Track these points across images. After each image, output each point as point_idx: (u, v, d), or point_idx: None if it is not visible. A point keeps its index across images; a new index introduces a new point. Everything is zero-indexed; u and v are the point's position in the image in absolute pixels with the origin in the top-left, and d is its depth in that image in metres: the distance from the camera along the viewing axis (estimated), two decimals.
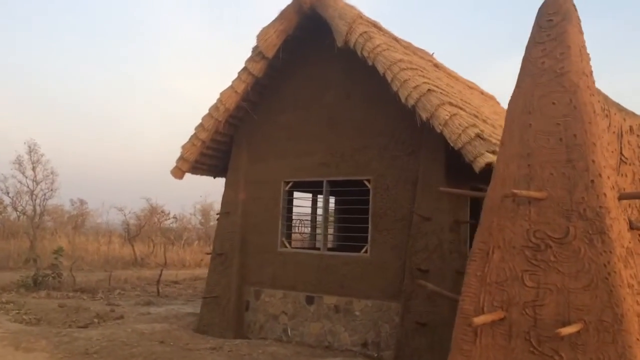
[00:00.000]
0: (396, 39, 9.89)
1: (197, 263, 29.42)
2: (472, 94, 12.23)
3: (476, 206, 9.41)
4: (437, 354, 7.77)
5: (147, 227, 33.47)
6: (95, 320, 10.84)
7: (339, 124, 9.62)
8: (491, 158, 7.28)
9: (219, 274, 10.52)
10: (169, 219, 36.93)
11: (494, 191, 3.94)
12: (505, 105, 8.18)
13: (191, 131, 10.44)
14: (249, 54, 9.93)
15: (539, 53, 4.14)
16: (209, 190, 52.34)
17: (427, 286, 6.02)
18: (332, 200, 13.43)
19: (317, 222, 12.95)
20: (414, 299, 8.14)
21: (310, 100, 10.05)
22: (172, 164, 10.61)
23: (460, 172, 8.56)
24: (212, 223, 42.50)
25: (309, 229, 12.99)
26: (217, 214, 11.45)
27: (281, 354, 8.20)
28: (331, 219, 12.74)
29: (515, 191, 3.77)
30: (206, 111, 10.27)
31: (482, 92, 14.48)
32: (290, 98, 10.30)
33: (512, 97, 4.17)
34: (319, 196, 12.86)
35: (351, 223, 9.69)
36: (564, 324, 3.75)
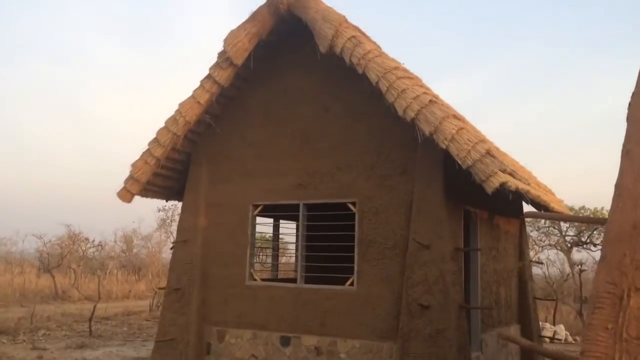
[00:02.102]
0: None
1: (124, 295, 27.14)
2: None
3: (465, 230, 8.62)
4: None
5: (69, 256, 30.66)
6: None
7: (316, 140, 8.60)
8: (505, 178, 6.49)
9: (174, 313, 9.07)
10: (92, 246, 34.20)
11: (622, 215, 3.03)
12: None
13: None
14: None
15: None
16: (140, 214, 49.43)
17: (518, 342, 4.91)
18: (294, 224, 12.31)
19: (280, 250, 11.81)
20: (412, 340, 7.15)
21: (282, 113, 8.97)
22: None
23: (459, 194, 7.75)
24: (135, 250, 39.96)
25: (271, 258, 11.76)
26: (172, 243, 10.02)
27: None
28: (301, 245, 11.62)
29: None
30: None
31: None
32: (260, 111, 9.18)
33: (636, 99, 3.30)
34: (281, 221, 11.73)
35: (332, 252, 8.61)
36: None
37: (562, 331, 16.53)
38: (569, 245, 25.71)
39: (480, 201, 8.72)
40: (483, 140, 6.72)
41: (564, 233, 25.85)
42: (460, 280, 7.41)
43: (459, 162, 6.67)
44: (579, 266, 17.33)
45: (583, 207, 25.51)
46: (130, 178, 9.14)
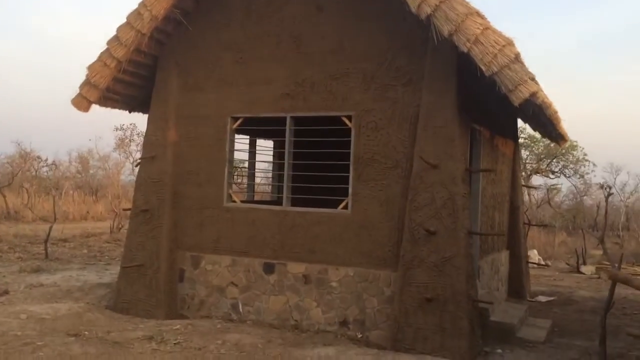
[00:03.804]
0: None
1: (82, 216, 25.98)
2: None
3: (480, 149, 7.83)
4: (449, 336, 6.20)
5: (20, 174, 28.93)
6: None
7: (306, 44, 7.45)
8: (536, 87, 5.61)
9: (142, 236, 8.11)
10: (45, 165, 32.44)
11: None
12: None
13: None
14: None
15: None
16: (96, 132, 47.10)
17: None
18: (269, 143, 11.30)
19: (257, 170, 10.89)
20: (415, 268, 6.44)
21: (266, 11, 7.72)
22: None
23: (467, 108, 6.86)
24: (91, 172, 38.24)
25: (247, 178, 10.77)
26: (137, 160, 8.90)
27: (247, 344, 6.17)
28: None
29: None
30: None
31: None
32: (240, 7, 7.88)
33: None
34: (258, 140, 10.68)
35: (322, 171, 7.70)
36: None
37: (535, 256, 16.48)
38: (529, 172, 25.78)
39: (483, 118, 7.90)
40: (510, 42, 5.74)
41: (524, 160, 25.79)
42: (469, 204, 6.66)
43: (483, 68, 5.72)
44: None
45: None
46: (87, 83, 7.84)
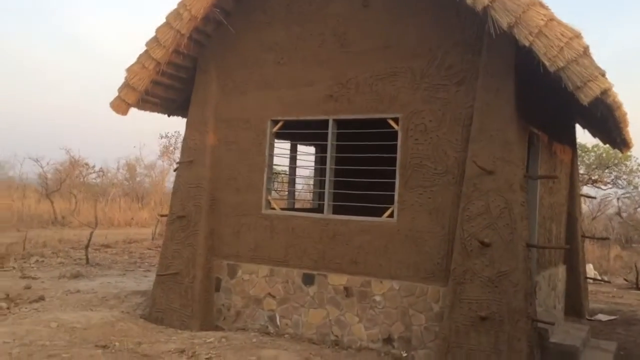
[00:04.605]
0: None
1: (127, 222, 26.26)
2: None
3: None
4: (505, 359, 5.61)
5: (69, 181, 29.56)
6: (3, 304, 7.92)
7: (351, 43, 7.04)
8: (607, 84, 5.02)
9: (179, 244, 7.84)
10: (93, 172, 33.10)
11: None
12: None
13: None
14: None
15: None
16: (142, 139, 48.07)
17: None
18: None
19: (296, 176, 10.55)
20: (468, 282, 5.90)
21: (309, 9, 7.36)
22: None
23: (525, 110, 6.29)
24: (138, 179, 38.80)
25: (288, 184, 10.40)
26: (175, 164, 8.67)
27: None
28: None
29: None
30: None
31: None
32: (281, 7, 7.56)
33: None
34: (299, 146, 10.32)
35: (366, 177, 7.25)
36: None
37: (590, 270, 15.53)
38: (580, 183, 24.57)
39: (541, 122, 7.30)
40: (578, 35, 5.18)
41: None
42: (527, 213, 6.08)
43: (547, 64, 5.17)
44: None
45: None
46: (126, 85, 7.66)
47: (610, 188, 26.23)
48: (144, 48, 7.51)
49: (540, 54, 5.20)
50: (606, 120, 6.98)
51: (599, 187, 26.31)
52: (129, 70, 7.59)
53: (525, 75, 6.13)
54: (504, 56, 5.98)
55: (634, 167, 25.19)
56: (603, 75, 5.13)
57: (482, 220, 5.91)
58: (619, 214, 23.07)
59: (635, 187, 26.25)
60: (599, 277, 15.19)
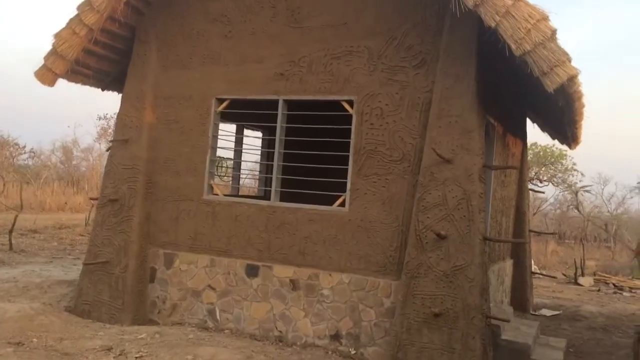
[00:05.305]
0: None
1: (59, 207, 24.82)
2: None
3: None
4: (459, 358, 5.33)
5: None
6: None
7: (305, 18, 6.56)
8: (575, 71, 4.77)
9: (110, 230, 7.16)
10: (23, 153, 31.22)
11: None
12: None
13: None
14: None
15: None
16: (78, 119, 45.91)
17: None
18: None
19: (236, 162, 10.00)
20: (422, 277, 5.57)
21: None
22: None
23: (483, 98, 6.01)
24: (74, 162, 36.96)
25: (233, 169, 9.79)
26: (108, 142, 7.94)
27: None
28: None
29: None
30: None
31: None
32: None
33: None
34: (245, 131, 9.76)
35: (316, 163, 6.82)
36: None
37: (532, 265, 15.74)
38: None
39: (497, 112, 7.08)
40: (545, 17, 4.90)
41: None
42: (485, 206, 5.81)
43: (513, 47, 4.86)
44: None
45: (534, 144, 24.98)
46: (53, 53, 6.88)
47: (546, 185, 27.00)
48: (75, 12, 6.76)
49: (506, 36, 4.89)
50: (562, 113, 6.82)
51: (535, 185, 27.03)
52: (57, 36, 6.82)
53: (484, 61, 5.85)
54: (466, 39, 5.67)
55: (569, 166, 25.98)
56: (570, 61, 4.87)
57: (438, 211, 5.59)
58: (577, 208, 23.72)
59: (569, 186, 27.12)
60: (541, 272, 15.43)
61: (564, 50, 4.86)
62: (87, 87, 7.96)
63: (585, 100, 5.92)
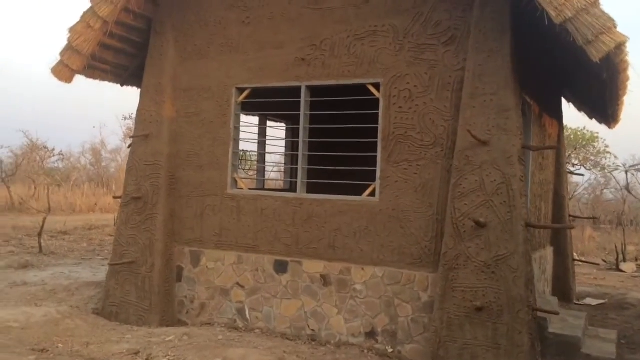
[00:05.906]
0: None
1: (90, 208, 25.04)
2: None
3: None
4: (505, 354, 4.96)
5: (27, 165, 28.08)
6: None
7: None
8: (623, 37, 4.34)
9: (134, 229, 6.97)
10: (53, 156, 31.56)
11: None
12: None
13: None
14: None
15: None
16: (104, 119, 46.37)
17: None
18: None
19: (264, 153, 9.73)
20: (461, 268, 5.21)
21: None
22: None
23: (519, 76, 5.58)
24: (104, 164, 37.33)
25: (257, 162, 9.52)
26: (129, 138, 7.76)
27: None
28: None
29: None
30: None
31: None
32: None
33: None
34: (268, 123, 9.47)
35: (346, 150, 6.50)
36: None
37: (573, 252, 15.16)
38: None
39: (532, 90, 6.64)
40: None
41: None
42: (525, 190, 5.40)
43: (552, 14, 4.45)
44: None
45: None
46: (69, 48, 6.69)
47: (579, 169, 26.12)
48: (89, 5, 6.55)
49: (545, 3, 4.49)
50: (605, 87, 6.36)
51: (567, 169, 26.15)
52: (72, 30, 6.62)
53: (518, 36, 5.44)
54: (499, 11, 5.26)
55: (601, 149, 25.05)
56: (615, 27, 4.44)
57: (476, 197, 5.22)
58: (627, 188, 22.94)
59: (603, 169, 26.18)
60: (581, 259, 14.83)
61: (609, 16, 4.44)
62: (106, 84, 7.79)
63: (631, 71, 5.45)
